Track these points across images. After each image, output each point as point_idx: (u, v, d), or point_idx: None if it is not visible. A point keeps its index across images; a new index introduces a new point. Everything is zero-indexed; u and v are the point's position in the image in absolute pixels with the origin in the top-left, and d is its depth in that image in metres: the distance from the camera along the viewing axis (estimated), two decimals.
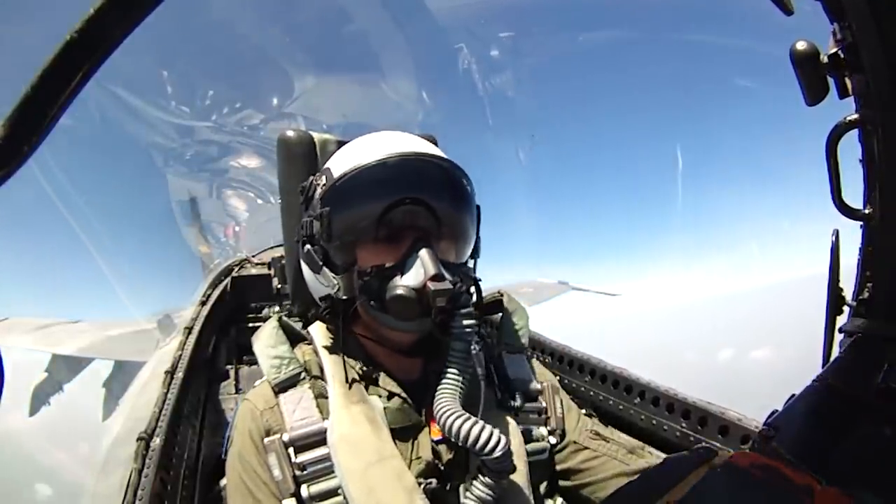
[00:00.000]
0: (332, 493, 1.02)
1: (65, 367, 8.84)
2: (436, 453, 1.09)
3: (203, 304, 2.71)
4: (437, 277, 1.01)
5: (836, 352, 1.08)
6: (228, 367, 2.64)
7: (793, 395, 1.02)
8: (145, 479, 1.25)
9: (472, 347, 1.04)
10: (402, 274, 1.03)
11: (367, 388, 1.13)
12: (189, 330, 2.34)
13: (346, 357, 1.16)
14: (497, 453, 0.94)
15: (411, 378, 1.18)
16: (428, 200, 1.07)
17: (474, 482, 1.02)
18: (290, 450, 1.04)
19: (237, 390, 2.50)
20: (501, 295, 1.42)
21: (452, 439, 0.98)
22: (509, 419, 1.17)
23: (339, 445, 1.04)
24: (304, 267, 1.20)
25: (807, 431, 0.90)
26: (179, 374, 1.85)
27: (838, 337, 1.11)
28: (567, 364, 2.09)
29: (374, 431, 1.06)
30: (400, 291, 1.01)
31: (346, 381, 1.11)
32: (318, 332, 1.22)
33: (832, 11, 0.89)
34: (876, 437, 0.85)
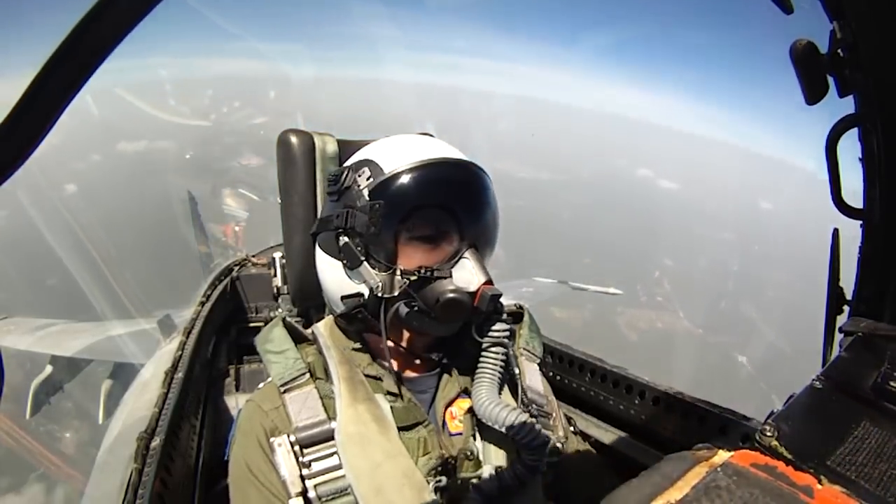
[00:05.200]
0: (341, 492, 1.02)
1: (65, 367, 8.83)
2: (445, 450, 1.10)
3: (203, 304, 2.71)
4: (489, 282, 1.05)
5: (836, 351, 1.08)
6: (228, 367, 2.64)
7: (793, 395, 1.02)
8: (145, 479, 1.25)
9: (509, 350, 1.10)
10: (452, 276, 1.05)
11: (373, 386, 1.13)
12: (189, 330, 2.33)
13: (352, 356, 1.16)
14: (536, 442, 1.01)
15: (417, 376, 1.19)
16: (476, 208, 1.11)
17: (501, 468, 1.06)
18: (297, 449, 1.04)
19: (237, 390, 2.50)
20: (521, 308, 1.46)
21: (494, 425, 1.03)
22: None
23: (347, 445, 1.04)
24: (328, 260, 1.16)
25: (807, 430, 0.90)
26: (179, 374, 1.84)
27: (838, 336, 1.11)
28: (567, 364, 2.09)
29: (382, 430, 1.06)
30: (454, 295, 1.03)
31: (352, 380, 1.11)
32: (323, 331, 1.22)
33: (832, 10, 0.89)
34: (876, 436, 0.85)
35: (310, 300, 1.42)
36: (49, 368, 8.52)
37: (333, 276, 1.16)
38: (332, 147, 1.43)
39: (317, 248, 1.20)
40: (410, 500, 1.00)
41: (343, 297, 1.13)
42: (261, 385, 1.20)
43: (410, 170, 1.05)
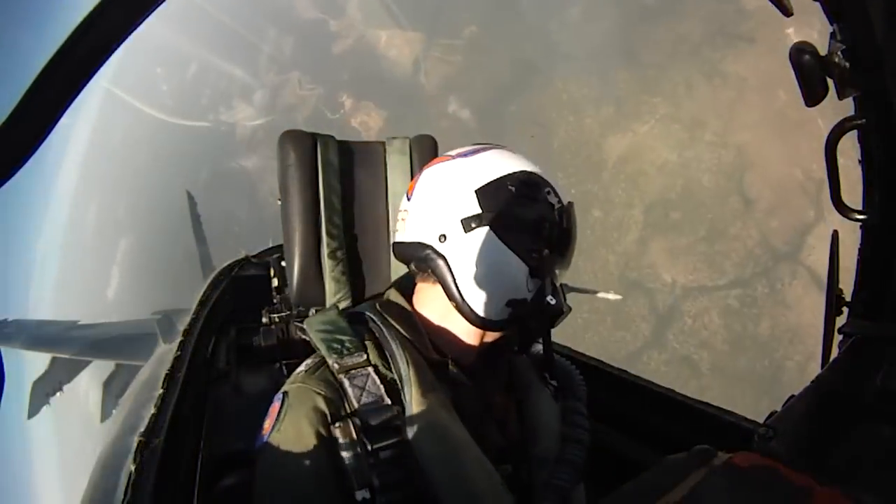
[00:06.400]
0: (408, 482, 0.97)
1: (65, 368, 8.84)
2: (504, 437, 1.13)
3: (203, 304, 2.71)
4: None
5: (835, 352, 1.08)
6: (228, 367, 2.64)
7: (792, 396, 1.02)
8: (145, 479, 1.25)
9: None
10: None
11: (436, 375, 1.10)
12: (188, 330, 2.33)
13: (416, 344, 1.12)
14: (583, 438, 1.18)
15: (472, 364, 1.18)
16: None
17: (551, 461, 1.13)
18: (363, 436, 0.99)
19: (237, 390, 2.50)
20: None
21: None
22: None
23: (421, 433, 1.00)
24: (508, 257, 1.11)
25: (806, 432, 0.90)
26: (179, 375, 1.84)
27: (837, 338, 1.12)
28: None
29: (452, 419, 1.03)
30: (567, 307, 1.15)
31: (420, 366, 1.07)
32: (382, 313, 1.17)
33: (832, 12, 0.89)
34: (875, 437, 0.85)
35: (311, 301, 1.42)
36: (48, 368, 8.53)
37: (513, 276, 1.11)
38: (333, 148, 1.43)
39: (490, 237, 1.10)
40: (486, 487, 0.99)
41: (511, 301, 1.11)
42: (303, 366, 1.12)
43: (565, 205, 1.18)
